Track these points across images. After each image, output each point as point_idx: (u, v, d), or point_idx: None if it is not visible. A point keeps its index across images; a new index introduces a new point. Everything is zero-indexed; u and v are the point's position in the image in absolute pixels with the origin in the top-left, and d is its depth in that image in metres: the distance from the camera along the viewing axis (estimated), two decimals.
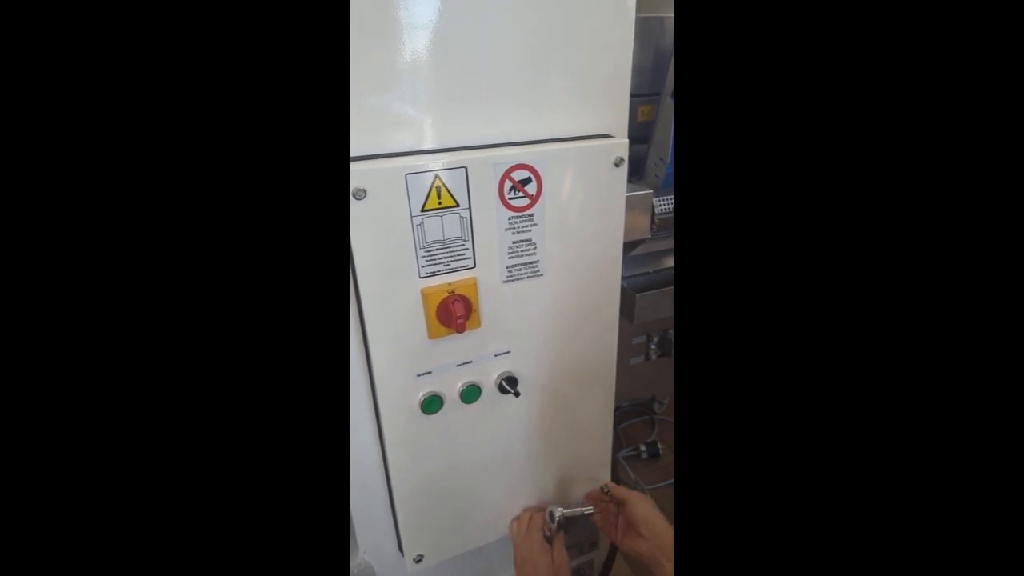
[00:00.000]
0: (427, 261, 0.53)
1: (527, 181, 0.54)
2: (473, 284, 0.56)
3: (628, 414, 1.57)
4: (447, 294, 0.55)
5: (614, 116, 0.58)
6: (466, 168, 0.51)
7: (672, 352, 0.99)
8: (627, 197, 0.61)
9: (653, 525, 0.65)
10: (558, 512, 0.69)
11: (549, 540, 0.69)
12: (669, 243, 0.86)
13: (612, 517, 0.72)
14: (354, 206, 0.48)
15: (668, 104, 0.74)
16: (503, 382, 0.62)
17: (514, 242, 0.57)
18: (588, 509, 0.71)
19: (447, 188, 0.51)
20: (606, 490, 0.71)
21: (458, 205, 0.52)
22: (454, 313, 0.54)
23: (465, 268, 0.55)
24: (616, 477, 0.80)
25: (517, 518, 0.73)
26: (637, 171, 0.82)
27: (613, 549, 0.80)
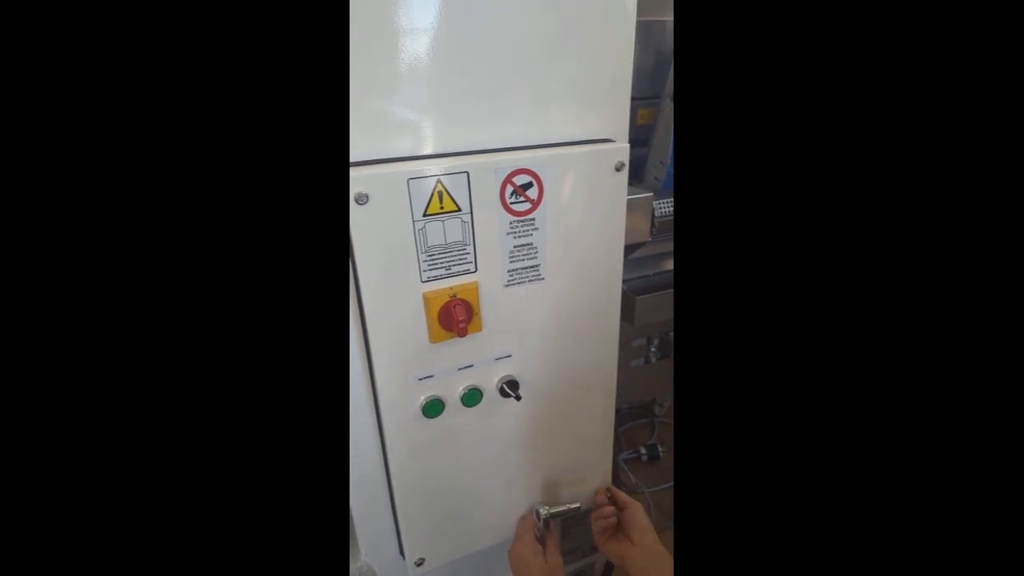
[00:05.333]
0: (429, 265, 0.53)
1: (528, 186, 0.54)
2: (475, 288, 0.56)
3: (628, 416, 1.57)
4: (449, 298, 0.55)
5: (615, 120, 0.59)
6: (468, 173, 0.51)
7: (672, 354, 0.99)
8: (627, 200, 0.61)
9: (648, 536, 0.65)
10: (543, 510, 0.69)
11: (541, 541, 0.69)
12: (669, 246, 0.86)
13: (610, 522, 0.72)
14: (356, 211, 0.48)
15: (668, 107, 0.74)
16: (504, 386, 0.62)
17: (515, 246, 0.57)
18: (575, 504, 0.72)
19: (449, 193, 0.51)
20: (608, 492, 0.72)
21: (460, 210, 0.52)
22: (455, 317, 0.54)
23: (467, 272, 0.56)
24: (617, 480, 0.80)
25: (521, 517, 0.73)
26: (636, 174, 0.82)
27: None
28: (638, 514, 0.68)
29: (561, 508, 0.71)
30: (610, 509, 0.71)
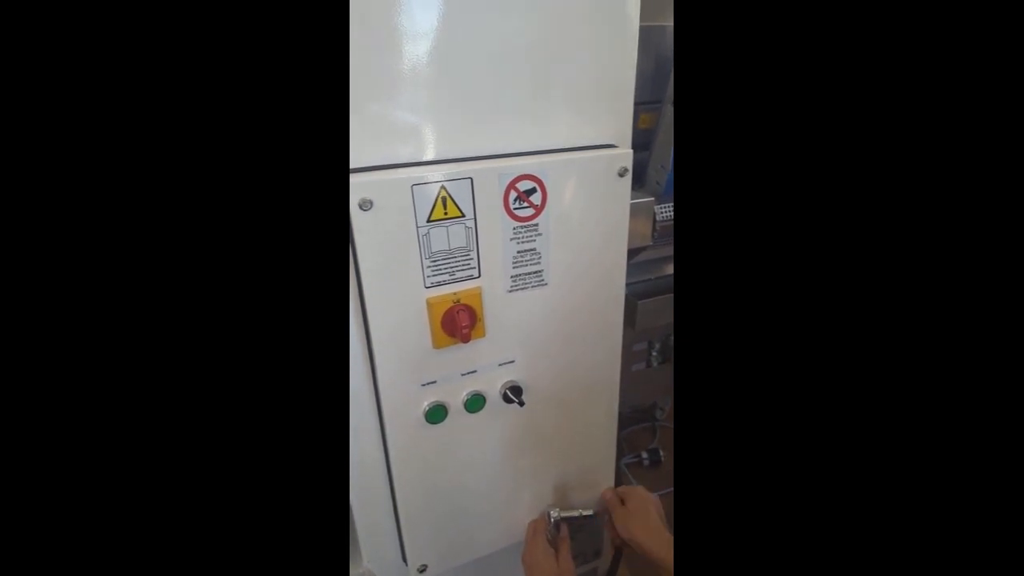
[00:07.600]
0: (432, 271, 0.53)
1: (532, 191, 0.54)
2: (478, 294, 0.56)
3: (630, 420, 1.57)
4: (452, 304, 0.55)
5: (618, 126, 0.59)
6: (472, 179, 0.51)
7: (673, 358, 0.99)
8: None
9: (646, 518, 0.67)
10: (554, 513, 0.69)
11: (553, 544, 0.69)
12: (670, 250, 0.86)
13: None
14: (360, 216, 0.48)
15: (669, 111, 0.74)
16: (507, 391, 0.62)
17: (519, 252, 0.57)
18: (588, 512, 0.71)
19: (453, 199, 0.51)
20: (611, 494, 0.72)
21: (463, 215, 0.52)
22: (459, 323, 0.54)
23: (470, 278, 0.55)
24: (619, 484, 0.80)
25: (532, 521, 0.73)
26: (638, 178, 0.82)
27: (616, 558, 0.80)
28: (632, 497, 0.70)
29: (573, 513, 0.71)
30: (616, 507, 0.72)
